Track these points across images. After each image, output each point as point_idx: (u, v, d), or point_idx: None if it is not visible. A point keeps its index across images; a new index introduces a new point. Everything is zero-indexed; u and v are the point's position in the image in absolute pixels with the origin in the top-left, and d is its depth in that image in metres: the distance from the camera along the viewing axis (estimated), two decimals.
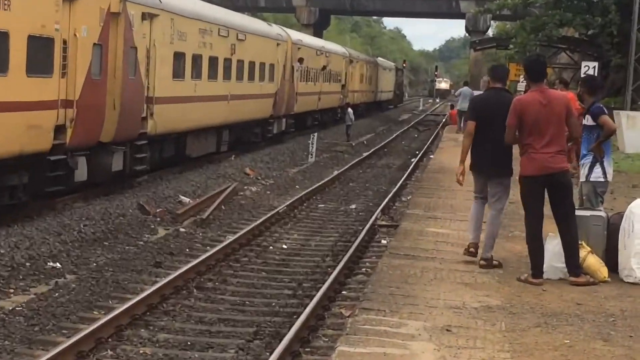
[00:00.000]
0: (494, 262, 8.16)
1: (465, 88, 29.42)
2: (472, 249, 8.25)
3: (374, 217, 12.40)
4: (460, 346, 5.99)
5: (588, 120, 8.66)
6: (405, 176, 18.12)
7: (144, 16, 14.15)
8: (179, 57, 16.15)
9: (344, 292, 8.54)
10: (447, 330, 6.34)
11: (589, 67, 21.49)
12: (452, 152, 21.50)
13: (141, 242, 10.62)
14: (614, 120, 12.60)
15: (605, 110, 8.74)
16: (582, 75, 20.41)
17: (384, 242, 10.88)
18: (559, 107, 7.54)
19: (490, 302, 7.21)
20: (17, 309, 7.55)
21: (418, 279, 7.76)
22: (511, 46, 27.57)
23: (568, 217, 7.60)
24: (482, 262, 8.12)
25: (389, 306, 6.81)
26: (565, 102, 7.72)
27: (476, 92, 41.52)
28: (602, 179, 8.66)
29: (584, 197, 8.77)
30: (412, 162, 21.59)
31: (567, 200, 7.64)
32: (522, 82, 28.54)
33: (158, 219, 12.09)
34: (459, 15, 53.49)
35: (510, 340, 6.33)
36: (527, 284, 7.63)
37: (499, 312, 6.89)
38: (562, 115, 7.53)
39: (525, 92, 9.41)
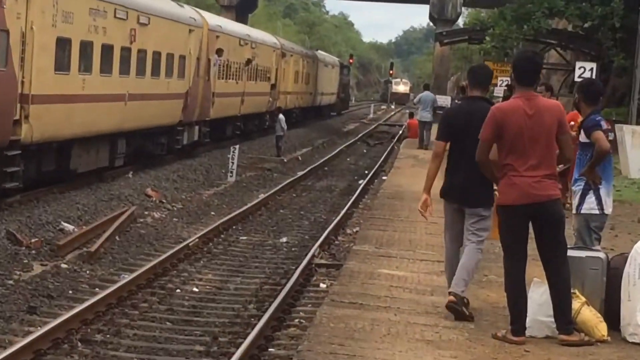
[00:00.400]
0: (465, 311, 8.35)
1: (426, 93, 30.17)
2: (451, 298, 8.37)
3: (310, 254, 12.55)
4: None
5: (582, 136, 8.96)
6: (350, 202, 18.41)
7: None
8: (63, 44, 16.18)
9: (271, 349, 8.64)
10: None
11: (585, 69, 22.05)
12: (411, 172, 22.00)
13: (11, 281, 10.58)
14: (614, 136, 13.05)
15: (603, 124, 8.95)
16: (577, 79, 21.13)
17: (323, 286, 11.07)
18: (549, 119, 7.61)
19: None
20: None
21: (367, 335, 7.99)
22: (487, 39, 28.29)
23: (558, 258, 7.71)
24: (450, 298, 8.24)
25: None
26: (558, 114, 7.78)
27: (440, 98, 42.92)
28: (597, 212, 8.94)
29: (574, 234, 9.07)
30: (360, 184, 21.95)
31: (558, 237, 7.70)
32: (500, 86, 29.40)
33: (33, 252, 12.08)
34: None
35: None
36: (505, 342, 7.80)
37: None
38: (553, 129, 7.60)
39: (505, 98, 9.64)
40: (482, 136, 7.64)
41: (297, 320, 9.72)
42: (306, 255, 12.62)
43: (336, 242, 14.51)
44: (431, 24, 63.19)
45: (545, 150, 7.56)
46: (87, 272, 11.57)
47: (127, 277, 10.67)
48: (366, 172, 25.32)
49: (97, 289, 10.44)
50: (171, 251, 12.38)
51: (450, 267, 8.55)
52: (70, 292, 10.47)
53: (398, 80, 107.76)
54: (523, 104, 7.54)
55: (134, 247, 13.34)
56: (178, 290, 10.86)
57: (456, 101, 36.11)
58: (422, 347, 7.74)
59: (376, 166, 26.65)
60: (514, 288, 7.76)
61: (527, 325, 7.89)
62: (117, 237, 13.59)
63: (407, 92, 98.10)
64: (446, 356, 7.53)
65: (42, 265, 11.58)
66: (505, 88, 25.46)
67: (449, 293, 8.25)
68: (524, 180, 7.49)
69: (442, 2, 45.36)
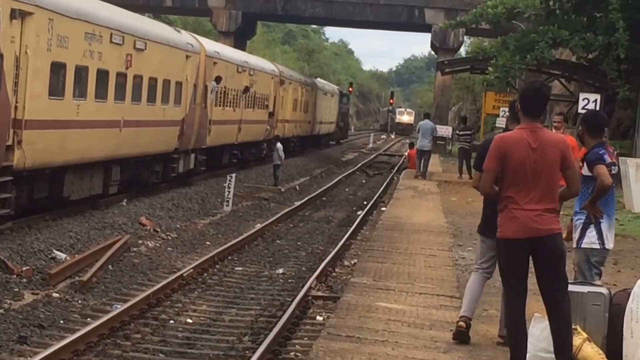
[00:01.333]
0: None
1: (426, 121, 30.48)
2: (461, 323, 8.52)
3: (307, 286, 12.62)
4: None
5: (584, 169, 9.01)
6: (348, 234, 18.50)
7: (13, 13, 14.33)
8: (58, 68, 16.32)
9: None
10: None
11: (589, 101, 22.03)
12: (410, 204, 22.09)
13: (1, 310, 10.69)
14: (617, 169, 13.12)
15: (606, 158, 8.99)
16: (581, 111, 21.17)
17: (319, 318, 11.16)
18: (553, 153, 7.64)
19: None
20: None
21: None
22: (490, 69, 28.39)
23: (559, 293, 7.72)
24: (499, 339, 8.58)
25: None
26: (563, 148, 7.78)
27: (441, 128, 43.35)
28: (598, 246, 8.99)
29: (574, 268, 9.12)
30: (359, 215, 22.04)
31: (558, 272, 7.73)
32: (502, 116, 29.61)
33: (24, 280, 12.22)
34: (424, 27, 54.47)
35: None
36: None
37: None
38: (557, 164, 7.63)
39: (506, 129, 9.63)
40: (486, 166, 7.69)
41: (292, 353, 9.79)
42: (303, 287, 12.69)
43: (333, 274, 14.60)
44: (433, 52, 63.35)
45: (548, 185, 7.59)
46: (79, 301, 11.66)
47: (119, 308, 10.75)
48: (365, 202, 25.43)
49: (89, 319, 10.54)
50: (165, 281, 12.46)
51: (469, 295, 8.88)
52: (62, 321, 10.55)
53: (402, 109, 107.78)
54: (527, 136, 7.55)
55: (127, 276, 13.42)
56: (172, 322, 10.94)
57: (457, 132, 36.46)
58: None
59: (375, 197, 26.76)
60: (513, 323, 7.78)
61: None
62: (110, 266, 13.69)
63: (412, 122, 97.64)
64: None
65: (33, 294, 11.67)
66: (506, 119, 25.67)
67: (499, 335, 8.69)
68: (525, 213, 7.50)
69: (444, 30, 45.35)
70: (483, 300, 10.41)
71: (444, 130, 45.65)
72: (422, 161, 29.88)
